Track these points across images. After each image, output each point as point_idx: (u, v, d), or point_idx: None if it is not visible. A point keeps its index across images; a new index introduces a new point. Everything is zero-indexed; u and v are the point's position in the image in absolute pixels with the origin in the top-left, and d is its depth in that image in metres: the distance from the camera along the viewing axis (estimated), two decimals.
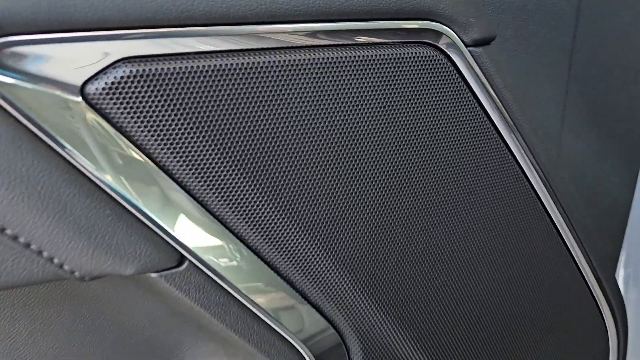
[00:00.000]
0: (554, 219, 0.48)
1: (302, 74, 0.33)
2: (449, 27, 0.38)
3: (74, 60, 0.27)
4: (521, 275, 0.49)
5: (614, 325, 0.59)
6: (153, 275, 0.32)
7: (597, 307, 0.56)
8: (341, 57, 0.34)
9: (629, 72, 0.56)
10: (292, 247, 0.35)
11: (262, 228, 0.34)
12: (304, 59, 0.33)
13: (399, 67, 0.36)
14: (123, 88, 0.28)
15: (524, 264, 0.48)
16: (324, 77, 0.34)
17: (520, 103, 0.43)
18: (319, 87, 0.34)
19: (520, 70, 0.51)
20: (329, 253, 0.37)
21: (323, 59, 0.33)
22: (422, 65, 0.37)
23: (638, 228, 0.77)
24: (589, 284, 0.54)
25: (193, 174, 0.31)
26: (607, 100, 0.56)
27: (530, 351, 0.54)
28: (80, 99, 0.27)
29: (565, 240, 0.50)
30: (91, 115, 0.28)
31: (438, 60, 0.37)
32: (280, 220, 0.34)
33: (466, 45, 0.39)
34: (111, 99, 0.28)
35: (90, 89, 0.27)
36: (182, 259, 0.33)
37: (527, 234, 0.47)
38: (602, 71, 0.54)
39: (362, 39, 0.35)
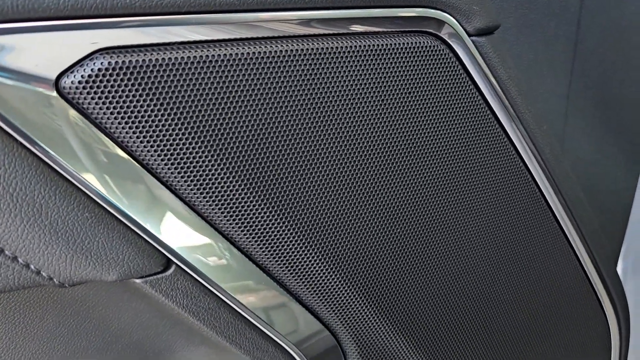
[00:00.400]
0: (556, 215, 0.47)
1: (296, 65, 0.31)
2: (451, 15, 0.36)
3: (47, 51, 0.25)
4: (522, 272, 0.47)
5: (616, 323, 0.58)
6: (137, 281, 0.30)
7: (599, 304, 0.55)
8: (337, 48, 0.32)
9: (633, 65, 0.54)
10: (284, 249, 0.34)
11: (253, 229, 0.32)
12: (298, 50, 0.31)
13: (398, 57, 0.34)
14: (101, 81, 0.26)
15: (525, 260, 0.47)
16: (318, 68, 0.32)
17: (524, 96, 0.41)
18: (314, 79, 0.32)
19: (522, 62, 0.49)
20: (323, 254, 0.35)
21: (318, 49, 0.31)
22: (422, 55, 0.35)
23: (639, 221, 0.76)
24: (592, 281, 0.52)
25: (179, 172, 0.29)
26: (611, 93, 0.55)
27: (533, 348, 0.52)
28: (54, 93, 0.25)
29: (568, 235, 0.49)
30: (67, 111, 0.26)
31: (439, 50, 0.35)
32: (272, 220, 0.32)
33: (469, 35, 0.37)
34: (88, 92, 0.26)
35: (66, 82, 0.25)
36: (169, 263, 0.31)
37: (529, 230, 0.46)
38: (606, 63, 0.52)
39: (358, 27, 0.33)
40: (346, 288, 0.37)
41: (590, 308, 0.55)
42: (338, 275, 0.36)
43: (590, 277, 0.52)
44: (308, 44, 0.31)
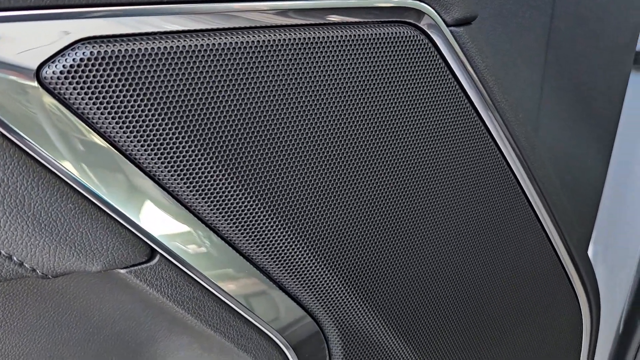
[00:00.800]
0: (531, 201, 0.48)
1: (274, 55, 0.31)
2: (429, 5, 0.36)
3: (28, 41, 0.24)
4: (498, 257, 0.49)
5: (587, 304, 0.59)
6: (122, 271, 0.30)
7: (571, 286, 0.57)
8: (314, 38, 0.32)
9: (605, 54, 0.56)
10: (266, 236, 0.34)
11: (236, 217, 0.32)
12: (275, 40, 0.31)
13: (376, 48, 0.34)
14: (83, 71, 0.26)
15: (500, 244, 0.48)
16: (296, 59, 0.32)
17: (500, 85, 0.42)
18: (292, 69, 0.32)
19: (498, 52, 0.50)
20: (305, 241, 0.36)
21: (295, 39, 0.32)
22: (401, 46, 0.35)
23: (609, 207, 0.78)
24: (564, 265, 0.54)
25: (161, 161, 0.29)
26: (583, 82, 0.56)
27: (509, 330, 0.54)
28: (36, 83, 0.25)
29: (542, 221, 0.50)
30: (48, 101, 0.26)
31: (419, 40, 0.36)
32: (255, 208, 0.33)
33: (447, 25, 0.37)
34: (70, 83, 0.26)
35: (47, 72, 0.25)
36: (153, 253, 0.31)
37: (504, 215, 0.47)
38: (579, 53, 0.53)
39: (335, 18, 0.33)
40: (328, 275, 0.37)
41: (563, 290, 0.56)
42: (320, 262, 0.37)
43: (562, 261, 0.53)
44: (285, 35, 0.31)
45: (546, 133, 0.56)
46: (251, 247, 0.34)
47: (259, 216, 0.33)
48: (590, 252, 0.81)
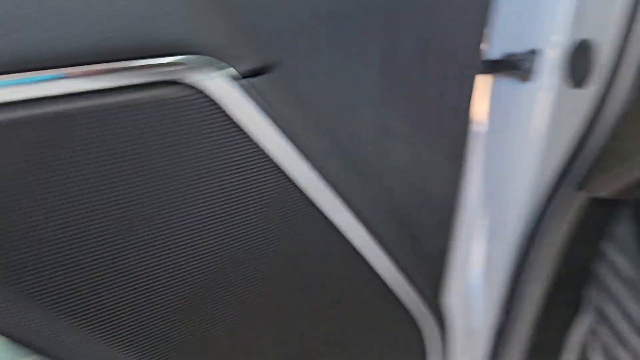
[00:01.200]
0: (349, 238, 0.48)
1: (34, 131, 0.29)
2: (222, 59, 0.35)
3: None
4: (316, 293, 0.49)
5: (433, 325, 0.61)
6: None
7: (408, 313, 0.57)
8: (86, 107, 0.31)
9: (450, 69, 0.56)
10: None
11: None
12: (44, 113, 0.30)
13: (151, 111, 0.33)
14: None
15: (318, 281, 0.48)
16: (63, 134, 0.30)
17: (311, 128, 0.41)
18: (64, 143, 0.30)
19: (334, 84, 0.49)
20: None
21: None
22: (174, 106, 0.34)
23: (480, 210, 0.80)
24: (397, 295, 0.54)
25: None
26: (431, 101, 0.56)
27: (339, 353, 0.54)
28: None
29: (366, 255, 0.50)
30: None
31: (190, 99, 0.34)
32: None
33: (242, 77, 0.36)
34: None
35: None
36: None
37: (320, 257, 0.47)
38: (424, 74, 0.53)
39: (118, 80, 0.32)
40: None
41: (399, 315, 0.57)
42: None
43: (391, 287, 0.54)
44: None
45: (398, 157, 0.56)
46: None
47: None
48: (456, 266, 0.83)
